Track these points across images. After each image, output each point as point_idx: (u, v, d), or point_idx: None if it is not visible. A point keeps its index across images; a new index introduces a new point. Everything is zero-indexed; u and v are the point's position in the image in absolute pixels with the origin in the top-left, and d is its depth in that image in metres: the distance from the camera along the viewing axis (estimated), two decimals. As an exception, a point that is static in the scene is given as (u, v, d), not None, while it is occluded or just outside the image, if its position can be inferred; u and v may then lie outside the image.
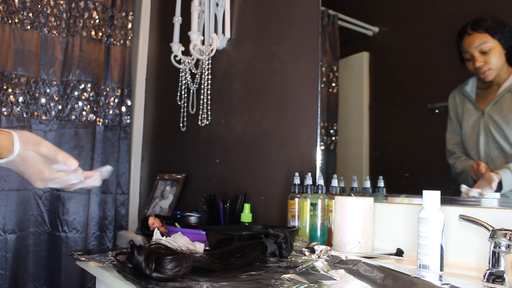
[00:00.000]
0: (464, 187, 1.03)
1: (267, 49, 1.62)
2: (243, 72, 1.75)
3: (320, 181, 1.22)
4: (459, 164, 1.06)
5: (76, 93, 2.12)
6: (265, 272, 0.81)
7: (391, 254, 1.05)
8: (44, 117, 2.07)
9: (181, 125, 2.04)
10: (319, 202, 1.18)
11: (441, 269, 0.86)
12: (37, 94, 2.06)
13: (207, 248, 1.01)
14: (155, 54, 2.41)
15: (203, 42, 1.91)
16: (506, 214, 0.91)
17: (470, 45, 1.05)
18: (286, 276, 0.78)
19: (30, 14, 2.04)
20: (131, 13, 2.31)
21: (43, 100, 2.07)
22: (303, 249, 1.03)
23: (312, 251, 1.01)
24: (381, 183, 1.18)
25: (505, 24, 1.01)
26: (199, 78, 1.96)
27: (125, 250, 0.81)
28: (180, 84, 2.04)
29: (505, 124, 0.97)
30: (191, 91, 2.00)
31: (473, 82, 1.06)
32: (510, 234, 0.77)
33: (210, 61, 1.89)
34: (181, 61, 2.02)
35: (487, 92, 1.03)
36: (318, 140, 1.37)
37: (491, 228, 0.81)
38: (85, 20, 2.16)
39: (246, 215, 1.41)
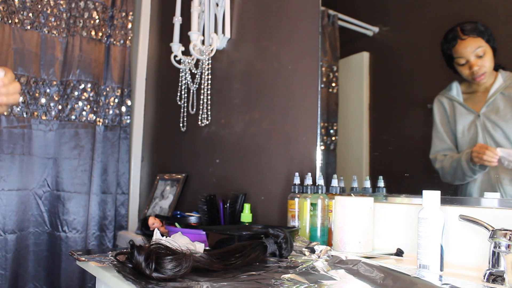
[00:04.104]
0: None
1: (267, 49, 1.62)
2: (243, 72, 1.75)
3: (320, 181, 1.22)
4: (446, 162, 1.06)
5: (76, 93, 2.12)
6: (265, 272, 0.81)
7: (391, 254, 1.05)
8: (44, 117, 2.07)
9: (181, 125, 2.04)
10: (319, 202, 1.18)
11: (441, 269, 0.86)
12: (37, 94, 2.06)
13: (207, 248, 1.01)
14: (155, 54, 2.41)
15: (203, 42, 1.91)
16: (506, 214, 0.91)
17: (465, 50, 1.05)
18: (286, 276, 0.78)
19: (30, 14, 2.04)
20: (131, 13, 2.31)
21: (43, 100, 2.07)
22: (303, 249, 1.03)
23: (312, 251, 1.01)
24: (381, 183, 1.18)
25: (487, 28, 1.03)
26: (199, 78, 1.96)
27: (125, 250, 0.80)
28: (180, 84, 2.04)
29: (504, 124, 0.98)
30: (191, 91, 2.00)
31: (456, 86, 1.07)
32: (510, 234, 0.77)
33: (210, 61, 1.89)
34: (181, 61, 2.02)
35: (476, 95, 1.04)
36: (318, 140, 1.37)
37: (491, 228, 0.81)
38: (85, 20, 2.16)
39: (246, 215, 1.41)
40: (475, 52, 1.03)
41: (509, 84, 0.98)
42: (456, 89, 1.07)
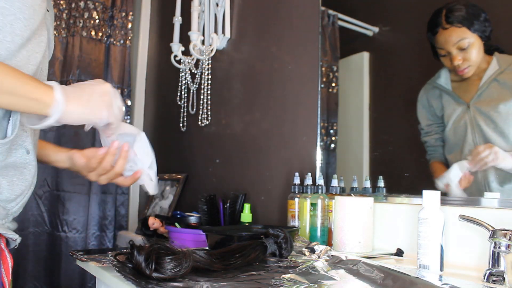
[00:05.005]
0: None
1: (267, 49, 1.62)
2: (243, 72, 1.75)
3: (320, 181, 1.22)
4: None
5: (76, 93, 2.12)
6: (265, 272, 0.81)
7: (391, 254, 1.05)
8: (44, 117, 2.07)
9: (181, 125, 2.04)
10: (319, 202, 1.18)
11: (441, 269, 0.86)
12: (37, 94, 2.06)
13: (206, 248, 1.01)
14: (155, 54, 2.41)
15: (203, 42, 1.91)
16: (506, 214, 0.91)
17: (446, 41, 0.95)
18: (286, 276, 0.78)
19: (30, 14, 2.04)
20: (131, 13, 2.31)
21: (43, 100, 2.07)
22: (303, 249, 1.03)
23: (312, 251, 1.01)
24: (381, 183, 1.18)
25: (481, 11, 0.92)
26: (199, 78, 1.96)
27: (125, 250, 0.80)
28: (180, 84, 2.04)
29: (497, 116, 0.89)
30: (191, 91, 2.00)
31: (445, 74, 0.98)
32: (510, 234, 0.77)
33: (210, 61, 1.89)
34: (181, 61, 2.02)
35: (466, 83, 0.94)
36: (318, 140, 1.37)
37: (491, 228, 0.81)
38: (85, 20, 2.16)
39: (246, 215, 1.41)
40: (458, 44, 0.93)
41: (505, 69, 0.88)
42: (445, 77, 0.99)
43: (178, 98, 2.05)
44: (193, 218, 1.51)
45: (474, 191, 0.97)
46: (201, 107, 1.90)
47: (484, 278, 0.80)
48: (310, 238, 1.18)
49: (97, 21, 2.19)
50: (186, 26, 1.98)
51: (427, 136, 1.05)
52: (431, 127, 1.03)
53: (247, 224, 1.39)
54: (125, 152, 0.88)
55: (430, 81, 1.04)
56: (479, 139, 0.94)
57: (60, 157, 0.99)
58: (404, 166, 1.17)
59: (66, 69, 2.12)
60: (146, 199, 2.31)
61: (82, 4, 2.16)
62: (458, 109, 0.97)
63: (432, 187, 1.01)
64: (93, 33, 2.17)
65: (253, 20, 1.71)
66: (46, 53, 0.85)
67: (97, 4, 2.19)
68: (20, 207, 0.85)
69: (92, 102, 0.75)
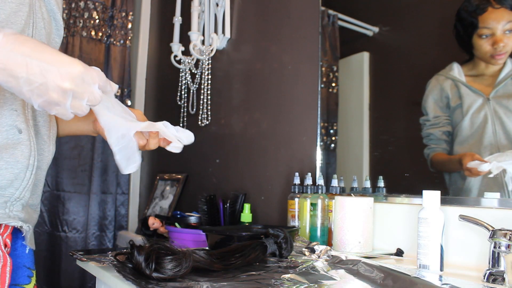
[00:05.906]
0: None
1: (267, 49, 1.62)
2: (243, 72, 1.75)
3: (320, 181, 1.22)
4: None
5: (76, 93, 2.12)
6: (265, 272, 0.81)
7: (391, 254, 1.05)
8: (44, 117, 2.07)
9: (181, 125, 2.04)
10: (319, 202, 1.18)
11: (441, 269, 0.86)
12: (37, 94, 2.05)
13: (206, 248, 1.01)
14: (155, 54, 2.41)
15: (203, 42, 1.91)
16: (506, 214, 0.91)
17: (496, 21, 0.92)
18: (286, 276, 0.78)
19: (30, 14, 2.04)
20: (131, 13, 2.31)
21: (43, 100, 2.07)
22: (303, 249, 1.03)
23: (312, 251, 1.01)
24: (381, 183, 1.18)
25: None
26: (199, 78, 1.96)
27: (125, 250, 0.80)
28: (180, 84, 2.04)
29: None
30: (191, 91, 2.00)
31: (458, 67, 0.98)
32: (510, 234, 0.77)
33: (210, 61, 1.89)
34: (181, 61, 2.02)
35: (482, 78, 0.95)
36: (318, 140, 1.37)
37: (491, 228, 0.81)
38: (85, 20, 2.16)
39: (246, 215, 1.41)
40: (505, 27, 0.91)
41: None
42: (457, 70, 0.98)
43: (178, 98, 2.05)
44: (193, 218, 1.51)
45: (494, 190, 0.97)
46: (201, 107, 1.90)
47: (484, 278, 0.80)
48: (310, 238, 1.18)
49: (97, 21, 2.19)
50: (186, 26, 1.98)
51: (433, 128, 1.04)
52: (440, 119, 1.03)
53: (247, 224, 1.39)
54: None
55: (443, 72, 1.02)
56: (499, 131, 0.95)
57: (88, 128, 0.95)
58: (404, 166, 1.17)
59: (66, 69, 2.11)
60: (146, 199, 2.31)
61: (82, 4, 2.16)
62: (478, 101, 0.96)
63: (432, 186, 1.01)
64: (93, 33, 2.18)
65: (253, 20, 1.72)
66: (41, 24, 0.81)
67: (97, 4, 2.19)
68: (23, 191, 0.79)
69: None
